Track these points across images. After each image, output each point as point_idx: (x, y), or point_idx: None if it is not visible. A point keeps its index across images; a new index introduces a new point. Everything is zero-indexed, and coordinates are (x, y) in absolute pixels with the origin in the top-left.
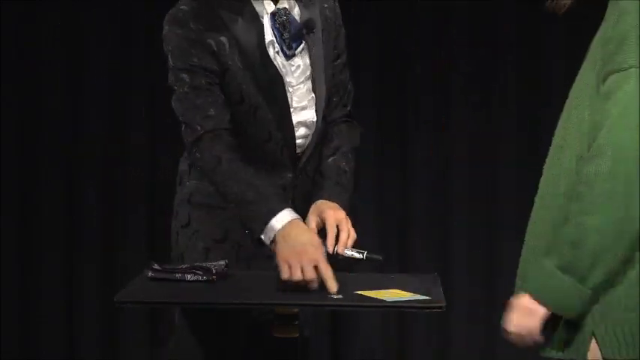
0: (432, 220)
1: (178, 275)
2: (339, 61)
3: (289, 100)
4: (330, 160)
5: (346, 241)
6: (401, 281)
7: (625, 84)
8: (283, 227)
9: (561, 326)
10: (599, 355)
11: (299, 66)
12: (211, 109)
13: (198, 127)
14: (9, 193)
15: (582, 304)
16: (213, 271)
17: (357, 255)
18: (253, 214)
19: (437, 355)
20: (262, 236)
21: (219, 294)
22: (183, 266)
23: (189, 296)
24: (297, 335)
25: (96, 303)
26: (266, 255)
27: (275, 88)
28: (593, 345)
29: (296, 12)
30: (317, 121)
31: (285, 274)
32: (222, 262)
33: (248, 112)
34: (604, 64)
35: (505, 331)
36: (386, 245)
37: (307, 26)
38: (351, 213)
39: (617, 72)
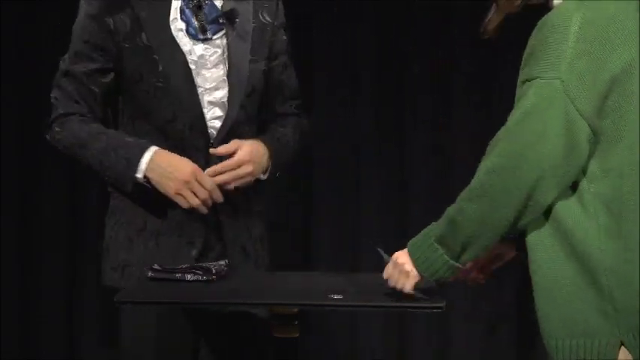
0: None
1: (178, 275)
2: (277, 61)
3: (196, 80)
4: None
5: (218, 172)
6: None
7: (526, 92)
8: (148, 163)
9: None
10: (629, 356)
11: (215, 51)
12: (79, 100)
13: (61, 110)
14: (9, 193)
15: (452, 273)
16: (213, 271)
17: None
18: (117, 170)
19: (437, 355)
20: (136, 179)
21: (219, 294)
22: (183, 266)
23: (189, 296)
24: (297, 335)
25: (96, 303)
26: (186, 242)
27: (178, 67)
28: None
29: (218, 1)
30: (231, 109)
31: (184, 205)
32: (222, 262)
33: (148, 91)
34: (519, 75)
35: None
36: (385, 245)
37: (228, 17)
38: (352, 212)
39: (525, 82)
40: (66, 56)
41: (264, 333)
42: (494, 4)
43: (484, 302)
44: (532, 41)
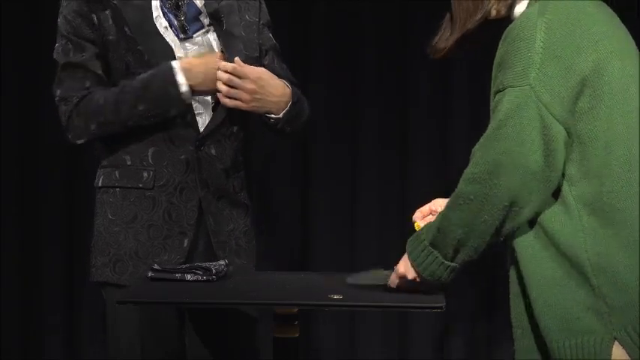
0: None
1: (178, 275)
2: (267, 58)
3: None
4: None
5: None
6: None
7: (500, 102)
8: (183, 75)
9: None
10: (624, 353)
11: (194, 48)
12: (87, 81)
13: (72, 99)
14: (9, 193)
15: (451, 276)
16: (213, 271)
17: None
18: (161, 102)
19: (437, 355)
20: (183, 95)
21: (219, 294)
22: (183, 266)
23: (189, 296)
24: (297, 335)
25: (96, 303)
26: (177, 232)
27: (164, 58)
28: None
29: (199, 1)
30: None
31: (229, 103)
32: (222, 262)
33: None
34: (491, 86)
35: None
36: (386, 244)
37: (213, 16)
38: (352, 212)
39: (497, 92)
40: (59, 51)
41: (252, 332)
42: (448, 22)
43: (484, 302)
44: (500, 51)
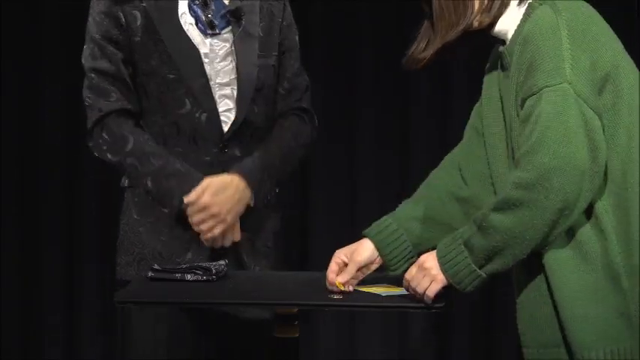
0: None
1: (178, 275)
2: (286, 58)
3: (207, 72)
4: (260, 152)
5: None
6: (399, 279)
7: (538, 105)
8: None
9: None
10: None
11: (224, 45)
12: (113, 92)
13: (102, 110)
14: (9, 193)
15: (473, 285)
16: (213, 271)
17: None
18: (166, 198)
19: (437, 355)
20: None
21: (219, 294)
22: (183, 266)
23: (189, 296)
24: (297, 335)
25: (96, 303)
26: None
27: (189, 58)
28: None
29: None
30: (241, 102)
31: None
32: (222, 262)
33: (161, 84)
34: (517, 93)
35: (405, 278)
36: None
37: (233, 14)
38: (352, 211)
39: (531, 96)
40: (86, 55)
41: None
42: (426, 32)
43: (484, 302)
44: (524, 56)
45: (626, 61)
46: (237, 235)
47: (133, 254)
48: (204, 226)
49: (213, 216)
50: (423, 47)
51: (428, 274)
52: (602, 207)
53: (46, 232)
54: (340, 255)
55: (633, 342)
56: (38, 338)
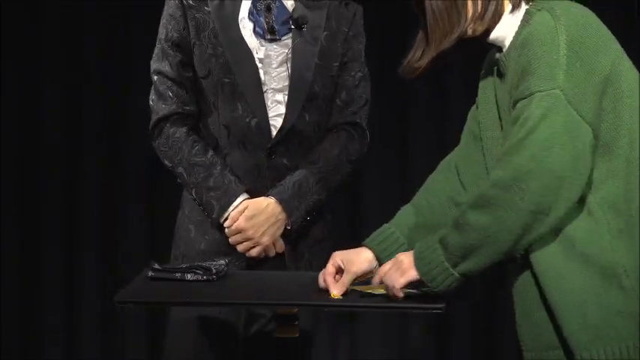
0: None
1: (178, 275)
2: (347, 70)
3: (262, 77)
4: (304, 167)
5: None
6: None
7: (527, 108)
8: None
9: None
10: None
11: (282, 52)
12: (171, 96)
13: (159, 113)
14: (9, 193)
15: (445, 285)
16: (213, 271)
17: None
18: (210, 202)
19: (437, 355)
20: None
21: (219, 294)
22: (183, 266)
23: (189, 296)
24: (297, 335)
25: (96, 303)
26: None
27: (244, 63)
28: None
29: (290, 3)
30: (291, 110)
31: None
32: (222, 262)
33: (216, 87)
34: (511, 96)
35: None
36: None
37: (296, 22)
38: (352, 211)
39: (521, 99)
40: (153, 56)
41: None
42: (421, 41)
43: (485, 302)
44: (521, 60)
45: (625, 63)
46: (278, 248)
47: (179, 249)
48: (240, 248)
49: (248, 239)
50: (419, 56)
51: (399, 269)
52: (603, 207)
53: (46, 232)
54: (337, 259)
55: (634, 341)
56: (38, 338)
